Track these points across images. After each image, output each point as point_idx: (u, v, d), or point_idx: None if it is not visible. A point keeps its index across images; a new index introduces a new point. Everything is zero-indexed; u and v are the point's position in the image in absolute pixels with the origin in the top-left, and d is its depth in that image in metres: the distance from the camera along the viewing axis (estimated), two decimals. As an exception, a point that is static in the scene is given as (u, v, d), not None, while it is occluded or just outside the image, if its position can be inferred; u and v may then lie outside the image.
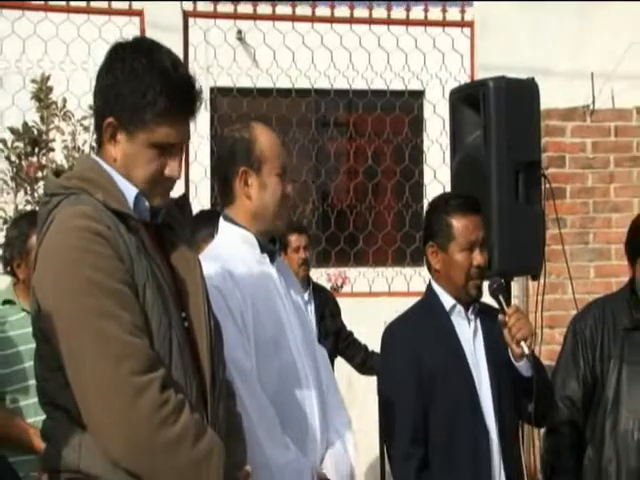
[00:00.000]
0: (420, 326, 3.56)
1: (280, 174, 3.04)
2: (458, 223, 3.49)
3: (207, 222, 3.58)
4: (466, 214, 3.51)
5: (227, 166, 3.03)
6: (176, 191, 2.61)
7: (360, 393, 6.59)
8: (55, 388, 2.33)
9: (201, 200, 3.05)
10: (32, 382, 3.56)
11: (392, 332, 3.62)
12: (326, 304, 6.28)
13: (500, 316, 3.46)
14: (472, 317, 3.57)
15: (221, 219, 3.10)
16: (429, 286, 3.65)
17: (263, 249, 3.05)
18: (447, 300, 3.56)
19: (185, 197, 2.67)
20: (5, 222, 6.34)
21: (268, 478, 2.78)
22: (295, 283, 3.25)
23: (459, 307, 3.55)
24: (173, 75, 2.40)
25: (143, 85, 2.37)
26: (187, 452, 2.25)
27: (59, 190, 2.41)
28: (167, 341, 2.34)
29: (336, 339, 6.25)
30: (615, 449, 3.63)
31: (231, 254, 2.97)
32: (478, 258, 3.49)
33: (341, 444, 3.08)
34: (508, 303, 3.59)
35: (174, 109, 2.40)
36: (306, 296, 6.15)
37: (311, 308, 6.17)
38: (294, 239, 6.15)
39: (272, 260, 3.07)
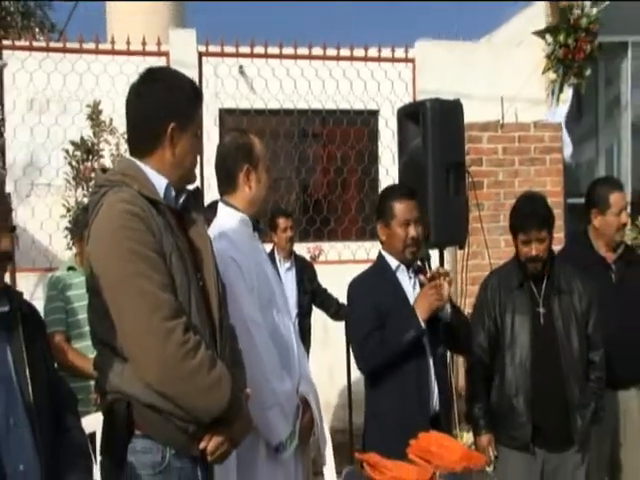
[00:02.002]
0: (375, 279, 3.55)
1: (268, 171, 3.01)
2: (398, 205, 3.51)
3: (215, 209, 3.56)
4: (403, 200, 3.52)
5: (232, 163, 2.95)
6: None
7: (333, 336, 6.56)
8: (103, 331, 2.31)
9: (214, 193, 3.03)
10: (85, 329, 3.57)
11: (354, 284, 3.60)
12: (305, 270, 6.26)
13: (420, 276, 3.49)
14: (412, 275, 3.56)
15: (220, 204, 3.03)
16: (379, 253, 3.64)
17: (254, 229, 3.01)
18: (393, 262, 3.55)
19: (198, 189, 2.61)
20: (68, 210, 6.42)
21: (274, 400, 2.77)
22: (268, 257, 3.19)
23: (402, 267, 3.55)
24: (194, 83, 2.50)
25: (186, 93, 2.43)
26: (203, 378, 2.23)
27: (105, 183, 2.39)
28: (187, 295, 2.31)
29: (313, 296, 6.24)
30: (514, 376, 3.64)
31: (233, 231, 2.92)
32: (412, 232, 3.48)
33: (306, 372, 3.06)
34: (430, 268, 3.53)
35: (199, 104, 2.51)
36: (289, 264, 6.17)
37: (293, 272, 6.17)
38: (282, 221, 6.10)
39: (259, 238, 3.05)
